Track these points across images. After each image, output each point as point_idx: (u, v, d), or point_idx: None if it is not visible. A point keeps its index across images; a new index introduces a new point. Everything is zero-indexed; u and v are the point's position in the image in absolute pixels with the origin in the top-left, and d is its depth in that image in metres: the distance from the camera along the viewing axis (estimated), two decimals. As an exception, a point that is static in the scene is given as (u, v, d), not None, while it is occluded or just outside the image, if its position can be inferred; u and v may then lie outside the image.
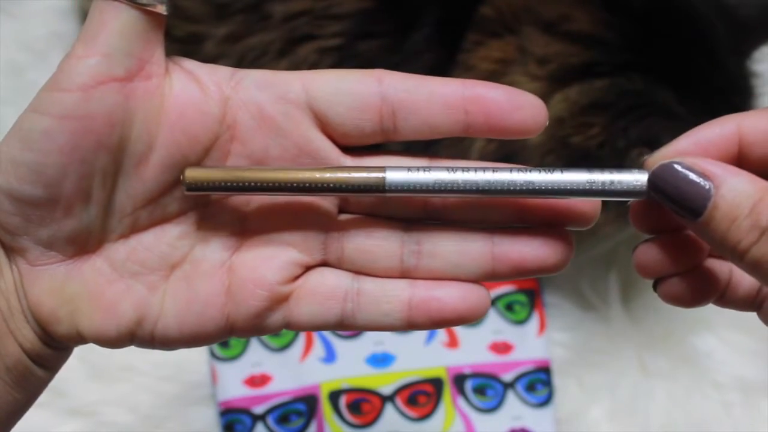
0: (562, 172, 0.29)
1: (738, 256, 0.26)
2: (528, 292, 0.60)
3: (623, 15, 0.54)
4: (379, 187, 0.29)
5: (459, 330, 0.58)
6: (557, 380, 0.61)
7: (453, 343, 0.57)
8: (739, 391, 0.63)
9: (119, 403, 0.59)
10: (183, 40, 0.65)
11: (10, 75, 0.75)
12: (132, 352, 0.61)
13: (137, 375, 0.60)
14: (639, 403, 0.63)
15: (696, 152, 0.28)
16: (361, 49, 0.60)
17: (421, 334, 0.57)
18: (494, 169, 0.29)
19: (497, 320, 0.59)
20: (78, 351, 0.66)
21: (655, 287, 0.31)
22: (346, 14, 0.60)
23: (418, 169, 0.29)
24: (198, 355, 0.60)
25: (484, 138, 0.57)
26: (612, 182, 0.29)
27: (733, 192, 0.26)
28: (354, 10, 0.60)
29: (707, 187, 0.27)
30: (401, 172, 0.29)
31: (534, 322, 0.60)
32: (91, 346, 0.66)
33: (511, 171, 0.29)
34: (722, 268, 0.31)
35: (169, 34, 0.73)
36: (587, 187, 0.29)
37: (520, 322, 0.59)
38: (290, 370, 0.56)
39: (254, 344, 0.57)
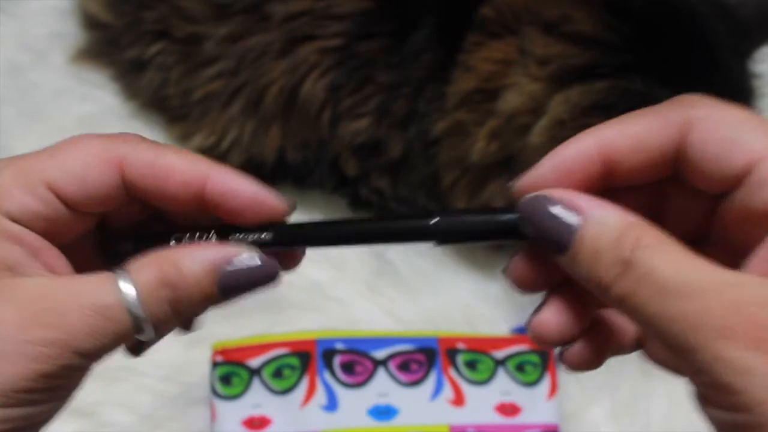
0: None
1: (603, 291, 0.26)
2: (541, 352, 0.59)
3: (624, 16, 0.54)
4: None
5: (466, 387, 0.57)
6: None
7: (459, 400, 0.56)
8: (739, 392, 0.63)
9: (119, 403, 0.59)
10: (183, 40, 0.65)
11: (10, 75, 0.75)
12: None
13: (137, 375, 0.60)
14: (639, 403, 0.62)
15: (556, 175, 0.28)
16: (361, 49, 0.60)
17: (428, 389, 0.56)
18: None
19: (507, 381, 0.57)
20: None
21: (561, 358, 0.30)
22: (347, 14, 0.60)
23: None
24: (198, 355, 0.60)
25: (485, 139, 0.57)
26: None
27: (598, 225, 0.26)
28: (354, 11, 0.60)
29: (573, 221, 0.26)
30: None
31: (545, 384, 0.58)
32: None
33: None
34: (611, 315, 0.30)
35: (169, 35, 0.74)
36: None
37: (531, 383, 0.58)
38: (290, 415, 0.55)
39: (256, 385, 0.56)
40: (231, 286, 0.30)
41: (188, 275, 0.29)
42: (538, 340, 0.29)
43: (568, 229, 0.26)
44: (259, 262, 0.30)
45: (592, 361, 0.30)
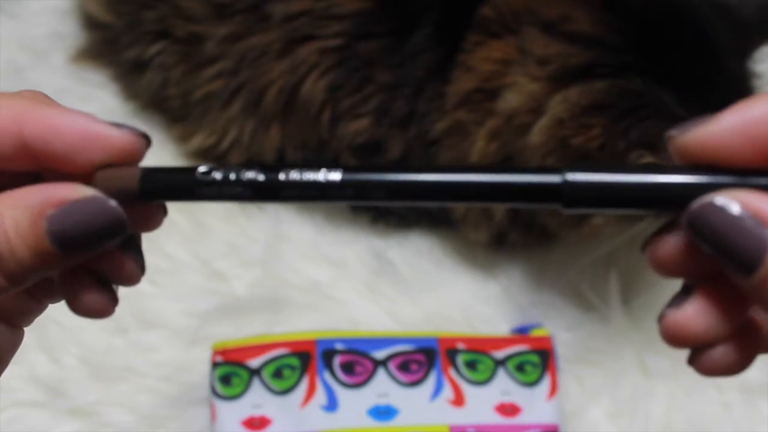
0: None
1: None
2: (541, 352, 0.59)
3: (623, 16, 0.54)
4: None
5: (466, 388, 0.57)
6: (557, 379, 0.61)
7: (459, 401, 0.56)
8: (739, 391, 0.63)
9: (119, 403, 0.59)
10: (183, 40, 0.65)
11: (10, 75, 0.75)
12: (132, 352, 0.61)
13: (137, 375, 0.60)
14: (639, 403, 0.62)
15: (741, 140, 0.21)
16: (361, 49, 0.60)
17: (428, 389, 0.56)
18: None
19: (507, 381, 0.58)
20: (78, 351, 0.66)
21: (692, 361, 0.24)
22: (346, 14, 0.60)
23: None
24: (198, 355, 0.60)
25: (485, 139, 0.57)
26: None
27: None
28: (354, 11, 0.60)
29: (764, 235, 0.20)
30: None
31: (545, 384, 0.58)
32: (91, 346, 0.66)
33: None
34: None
35: (169, 34, 0.74)
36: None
37: (531, 383, 0.58)
38: (290, 416, 0.55)
39: (256, 385, 0.56)
40: (65, 237, 0.22)
41: (9, 225, 0.22)
42: (672, 339, 0.23)
43: (758, 244, 0.20)
44: (97, 205, 0.23)
45: (738, 366, 0.24)
